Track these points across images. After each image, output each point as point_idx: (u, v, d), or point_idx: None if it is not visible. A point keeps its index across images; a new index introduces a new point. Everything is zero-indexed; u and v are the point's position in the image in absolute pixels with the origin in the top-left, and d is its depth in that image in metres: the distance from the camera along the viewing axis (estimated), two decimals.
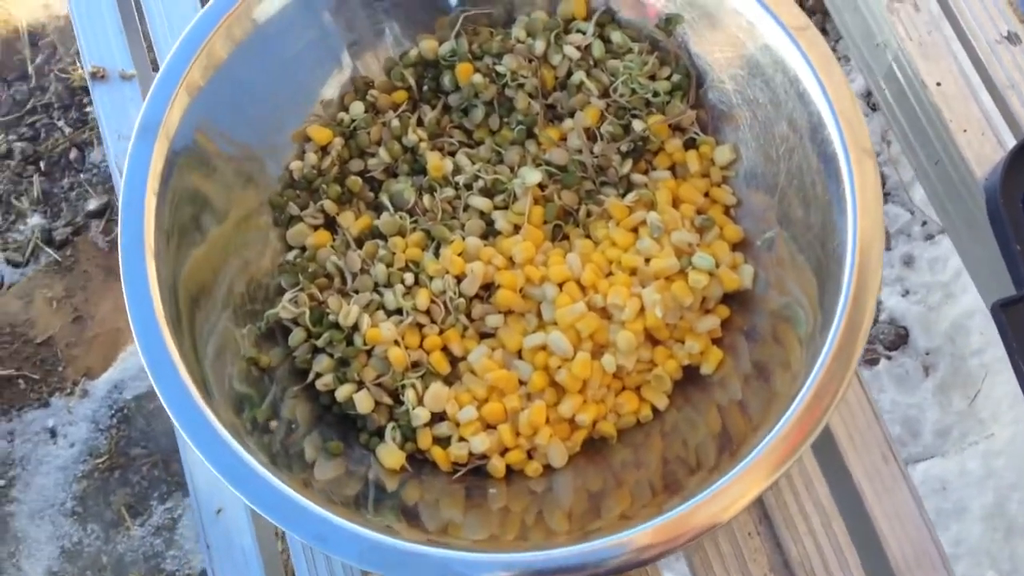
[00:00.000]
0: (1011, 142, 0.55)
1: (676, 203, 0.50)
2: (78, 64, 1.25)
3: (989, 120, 0.55)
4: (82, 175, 1.22)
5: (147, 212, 0.46)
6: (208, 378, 0.45)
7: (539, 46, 0.52)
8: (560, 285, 0.48)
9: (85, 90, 1.23)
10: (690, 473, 0.44)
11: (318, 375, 0.49)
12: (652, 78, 0.52)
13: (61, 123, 1.25)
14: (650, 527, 0.39)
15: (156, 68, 0.66)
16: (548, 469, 0.47)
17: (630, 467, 0.47)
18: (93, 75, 0.62)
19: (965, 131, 0.55)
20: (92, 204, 1.19)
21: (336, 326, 0.49)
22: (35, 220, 1.19)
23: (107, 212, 1.19)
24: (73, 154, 1.22)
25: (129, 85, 0.62)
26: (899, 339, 1.03)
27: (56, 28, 1.30)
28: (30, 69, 1.29)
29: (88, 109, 1.24)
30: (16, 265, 1.17)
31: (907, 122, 0.58)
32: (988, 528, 0.94)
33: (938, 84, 0.56)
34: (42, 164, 1.22)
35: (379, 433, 0.48)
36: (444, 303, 0.49)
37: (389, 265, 0.50)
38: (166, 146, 0.48)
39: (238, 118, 0.50)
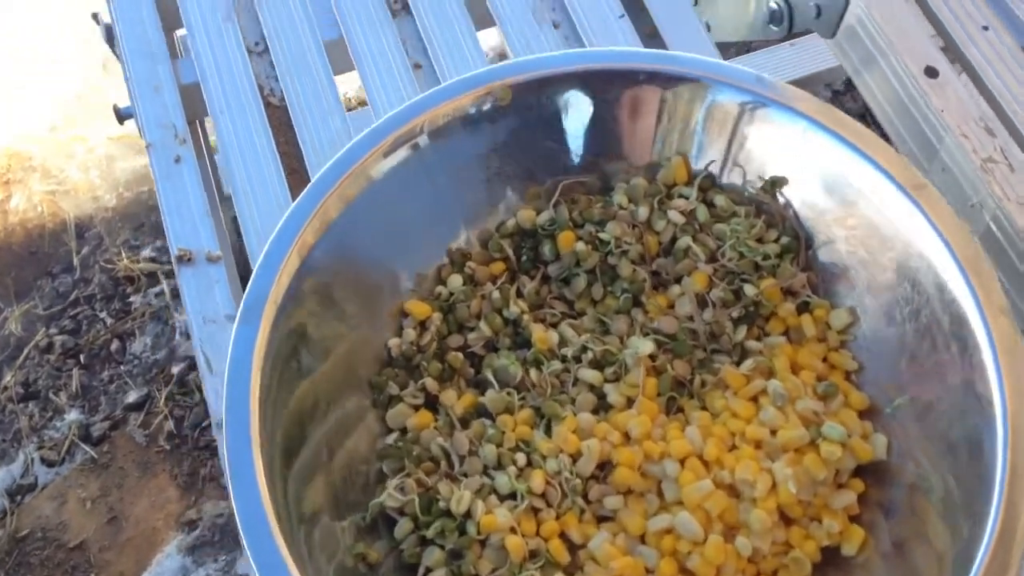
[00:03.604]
0: None
1: (794, 370, 0.48)
2: (123, 254, 1.26)
3: None
4: (122, 367, 1.21)
5: (252, 412, 0.44)
6: None
7: (642, 212, 0.52)
8: (682, 461, 0.46)
9: (130, 280, 1.24)
10: None
11: (428, 570, 0.46)
12: (760, 241, 0.51)
13: (103, 314, 1.25)
14: None
15: (240, 250, 0.67)
16: None
17: None
18: (179, 258, 0.62)
19: None
20: (131, 397, 1.18)
21: (447, 514, 0.46)
22: (73, 415, 1.18)
23: (146, 404, 1.17)
24: (114, 345, 1.22)
25: (215, 267, 0.62)
26: None
27: (103, 219, 1.32)
28: (75, 261, 1.31)
29: (132, 299, 1.24)
30: (51, 464, 1.15)
31: (1014, 283, 0.56)
32: None
33: None
34: (82, 357, 1.22)
35: None
36: (560, 484, 0.47)
37: (499, 445, 0.48)
38: (269, 329, 0.47)
39: (346, 289, 0.50)
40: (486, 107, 0.52)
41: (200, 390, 1.14)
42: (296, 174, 0.65)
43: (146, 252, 1.28)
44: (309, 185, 0.49)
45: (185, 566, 1.04)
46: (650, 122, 0.52)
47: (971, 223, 0.58)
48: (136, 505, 1.11)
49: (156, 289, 1.24)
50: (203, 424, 1.13)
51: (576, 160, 0.54)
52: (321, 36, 0.69)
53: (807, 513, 0.45)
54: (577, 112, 0.52)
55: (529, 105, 0.52)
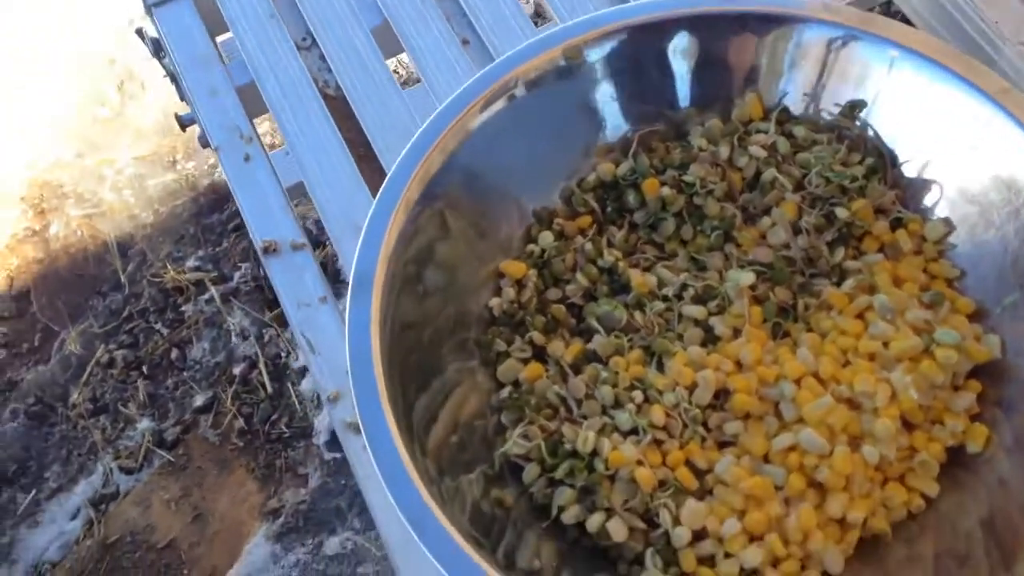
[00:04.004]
0: None
1: (896, 284, 0.49)
2: (168, 266, 1.28)
3: None
4: (185, 373, 1.23)
5: (378, 376, 0.46)
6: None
7: (723, 151, 0.53)
8: (797, 382, 0.47)
9: (179, 291, 1.26)
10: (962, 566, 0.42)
11: (562, 508, 0.47)
12: (844, 165, 0.52)
13: (158, 326, 1.27)
14: None
15: (317, 238, 0.68)
16: None
17: (904, 566, 0.45)
18: (265, 250, 0.63)
19: None
20: (198, 400, 1.20)
21: (574, 454, 0.48)
22: (144, 424, 1.20)
23: (214, 406, 1.19)
24: (174, 354, 1.24)
25: (301, 255, 0.63)
26: None
27: (144, 236, 1.34)
28: (123, 278, 1.32)
29: (183, 308, 1.26)
30: (130, 472, 1.17)
31: None
32: None
33: None
34: (144, 368, 1.23)
35: (638, 561, 0.46)
36: (679, 416, 0.48)
37: (614, 386, 0.49)
38: (380, 299, 0.48)
39: (447, 252, 0.51)
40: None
41: (264, 387, 1.16)
42: (365, 160, 0.66)
43: (190, 262, 1.29)
44: (408, 148, 0.51)
45: (275, 553, 1.07)
46: (740, 65, 0.53)
47: None
48: (218, 501, 1.13)
49: (206, 296, 1.26)
50: (272, 418, 1.15)
51: (651, 107, 0.55)
52: (367, 24, 0.70)
53: (928, 417, 0.46)
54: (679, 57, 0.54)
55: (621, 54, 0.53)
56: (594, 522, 0.46)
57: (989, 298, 0.47)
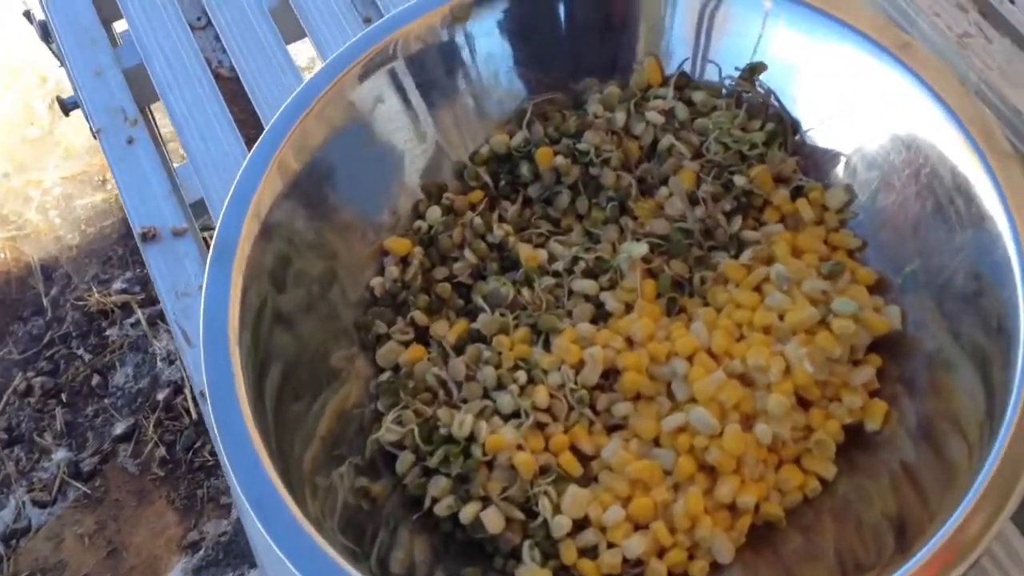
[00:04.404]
0: None
1: (796, 255, 0.46)
2: (94, 289, 1.23)
3: None
4: (106, 400, 1.18)
5: (235, 363, 0.42)
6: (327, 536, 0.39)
7: (619, 118, 0.50)
8: (690, 358, 0.43)
9: (103, 314, 1.21)
10: (864, 569, 0.38)
11: (435, 500, 0.43)
12: (744, 130, 0.49)
13: (80, 351, 1.22)
14: None
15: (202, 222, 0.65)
16: (714, 568, 0.41)
17: (802, 557, 0.41)
18: (143, 236, 0.59)
19: None
20: (118, 428, 1.15)
21: (449, 440, 0.44)
22: (60, 455, 1.14)
23: (135, 434, 1.14)
24: (95, 380, 1.19)
25: (182, 241, 0.59)
26: None
27: (69, 258, 1.29)
28: (45, 302, 1.28)
29: (108, 333, 1.21)
30: (43, 505, 1.11)
31: None
32: None
33: None
34: (63, 395, 1.18)
35: (515, 555, 0.42)
36: (565, 397, 0.44)
37: (497, 367, 0.45)
38: (243, 275, 0.44)
39: (321, 223, 0.47)
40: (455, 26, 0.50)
41: (188, 413, 1.11)
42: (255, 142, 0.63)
43: (117, 284, 1.24)
44: (269, 126, 0.47)
45: None
46: (622, 27, 0.50)
47: None
48: (135, 534, 1.07)
49: (131, 319, 1.21)
50: (195, 445, 1.10)
51: (550, 76, 0.52)
52: (265, 4, 0.67)
53: (826, 394, 0.43)
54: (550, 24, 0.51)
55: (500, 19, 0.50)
56: (468, 513, 0.42)
57: (891, 268, 0.44)
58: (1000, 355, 0.38)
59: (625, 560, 0.41)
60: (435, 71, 0.51)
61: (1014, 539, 0.43)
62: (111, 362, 1.20)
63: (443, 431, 0.44)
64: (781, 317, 0.43)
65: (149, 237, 0.59)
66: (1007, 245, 0.38)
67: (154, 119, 0.69)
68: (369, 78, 0.49)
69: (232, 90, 0.64)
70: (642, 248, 0.46)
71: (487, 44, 0.51)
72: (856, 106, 0.46)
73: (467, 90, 0.52)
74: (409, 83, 0.50)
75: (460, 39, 0.51)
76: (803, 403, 0.43)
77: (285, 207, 0.46)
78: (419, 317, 0.48)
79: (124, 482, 1.12)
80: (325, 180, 0.48)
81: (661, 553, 0.41)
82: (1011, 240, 0.38)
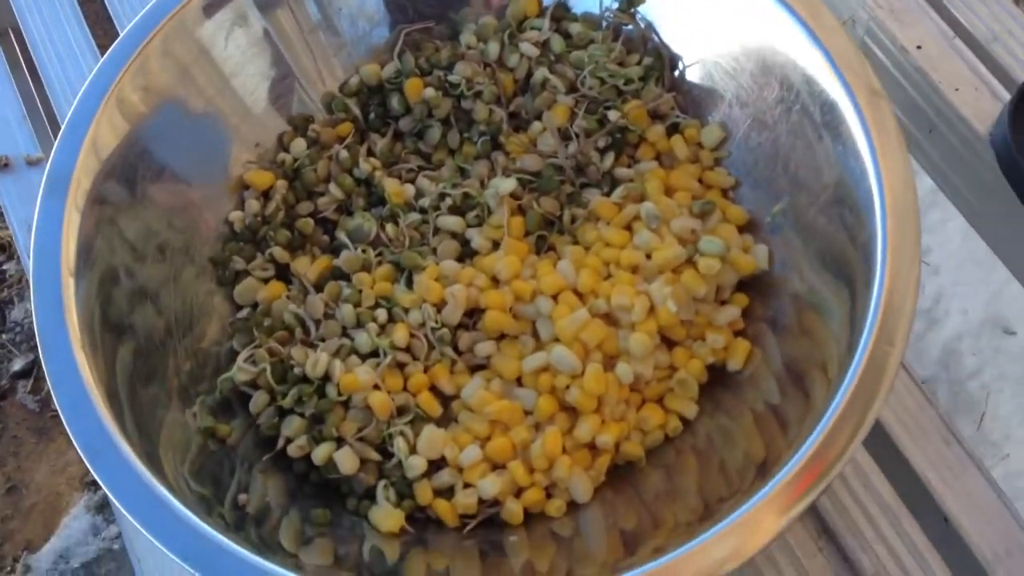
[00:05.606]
0: (1005, 94, 0.51)
1: (669, 193, 0.45)
2: None
3: (979, 75, 0.52)
4: (3, 335, 1.14)
5: (66, 295, 0.39)
6: (169, 477, 0.37)
7: (492, 49, 0.48)
8: (555, 297, 0.42)
9: (2, 248, 1.16)
10: (726, 498, 0.37)
11: (288, 440, 0.42)
12: (621, 65, 0.47)
13: None
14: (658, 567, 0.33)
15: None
16: (572, 507, 0.40)
17: (663, 496, 0.40)
18: None
19: (957, 90, 0.51)
20: (17, 364, 1.11)
21: (304, 379, 0.42)
22: None
23: (34, 370, 1.10)
24: None
25: (37, 170, 0.56)
26: None
27: None
28: None
29: (5, 267, 1.16)
30: None
31: (891, 94, 0.54)
32: None
33: (919, 47, 0.53)
34: None
35: (370, 495, 0.41)
36: (425, 336, 0.43)
37: (356, 305, 0.44)
38: (81, 208, 0.41)
39: (171, 156, 0.44)
40: None
41: None
42: None
43: None
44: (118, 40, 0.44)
45: (95, 525, 1.00)
46: None
47: None
48: (36, 471, 1.04)
49: None
50: None
51: (427, 5, 0.50)
52: None
53: (691, 334, 0.42)
54: None
55: None
56: (321, 453, 0.41)
57: (762, 209, 0.44)
58: (862, 292, 0.37)
59: (482, 500, 0.40)
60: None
61: (864, 464, 0.43)
62: (8, 297, 1.16)
63: (297, 371, 0.42)
64: (649, 256, 0.42)
65: (1, 166, 0.55)
66: (871, 184, 0.38)
67: (16, 42, 0.65)
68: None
69: (95, 11, 0.60)
70: (509, 184, 0.45)
71: None
72: (733, 43, 0.44)
73: (328, 19, 0.49)
74: (255, 14, 0.47)
75: None
76: (669, 343, 0.42)
77: (127, 141, 0.43)
78: (279, 253, 0.46)
79: (23, 419, 1.08)
80: (178, 105, 0.45)
81: (518, 493, 0.40)
82: (874, 179, 0.38)
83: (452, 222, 0.45)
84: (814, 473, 0.34)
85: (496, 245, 0.45)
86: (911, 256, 0.36)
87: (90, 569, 1.00)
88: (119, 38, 0.44)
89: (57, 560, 1.01)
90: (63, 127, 0.42)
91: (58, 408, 0.37)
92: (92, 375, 0.37)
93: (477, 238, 0.45)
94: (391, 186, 0.46)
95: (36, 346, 1.14)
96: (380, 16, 0.50)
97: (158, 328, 0.43)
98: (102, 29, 0.60)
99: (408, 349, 0.43)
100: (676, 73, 0.47)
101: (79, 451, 0.36)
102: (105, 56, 0.44)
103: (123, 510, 0.35)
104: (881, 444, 0.44)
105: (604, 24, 0.48)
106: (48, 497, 1.04)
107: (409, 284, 0.44)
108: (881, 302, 0.35)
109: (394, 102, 0.49)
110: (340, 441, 0.41)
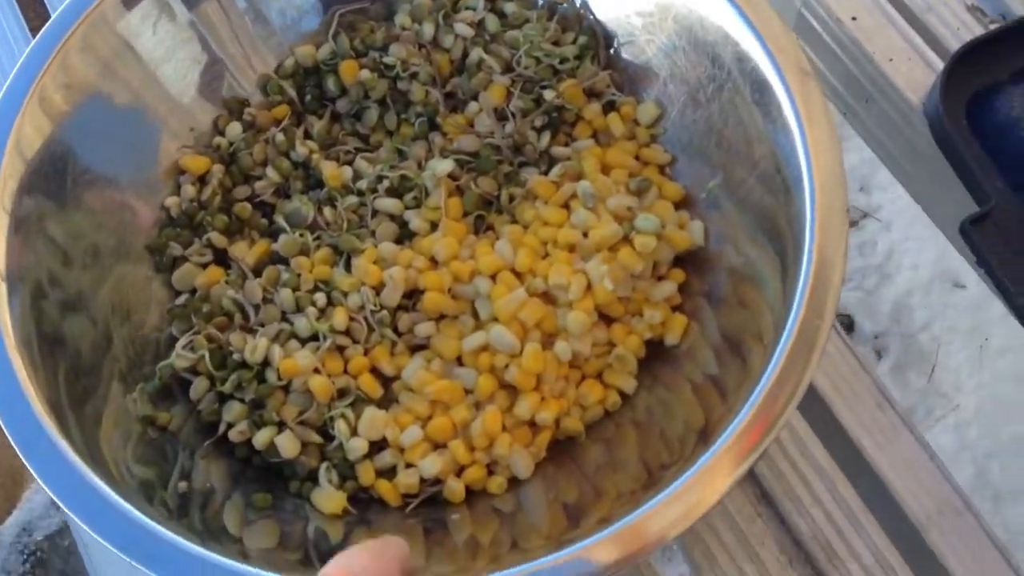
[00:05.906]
0: (939, 64, 0.52)
1: (606, 171, 0.45)
2: None
3: (913, 45, 0.52)
4: None
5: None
6: (109, 465, 0.37)
7: (427, 30, 0.48)
8: (493, 277, 0.42)
9: None
10: (668, 465, 0.38)
11: (230, 425, 0.42)
12: (556, 44, 0.47)
13: None
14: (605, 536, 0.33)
15: None
16: (514, 483, 0.41)
17: (605, 468, 0.41)
18: None
19: (891, 60, 0.52)
20: None
21: (243, 365, 0.42)
22: None
23: None
24: None
25: None
26: (846, 327, 0.99)
27: None
28: None
29: None
30: None
31: (828, 65, 0.55)
32: (975, 501, 0.90)
33: (854, 19, 0.53)
34: None
35: (312, 477, 0.41)
36: (365, 319, 0.43)
37: (295, 289, 0.44)
38: (8, 209, 0.41)
39: (99, 152, 0.44)
40: None
41: None
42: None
43: None
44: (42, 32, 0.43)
45: None
46: None
47: (783, 11, 0.56)
48: None
49: None
50: None
51: None
52: None
53: (629, 310, 0.42)
54: None
55: None
56: (262, 438, 0.41)
57: (698, 185, 0.44)
58: (793, 262, 0.38)
59: (423, 480, 0.40)
60: None
61: (801, 430, 0.44)
62: None
63: (236, 356, 0.42)
64: (586, 234, 0.42)
65: None
66: (799, 161, 0.38)
67: None
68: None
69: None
70: (447, 165, 0.45)
71: None
72: (667, 20, 0.45)
73: (256, 9, 0.49)
74: (179, 6, 0.47)
75: None
76: (607, 319, 0.42)
77: (51, 140, 0.43)
78: (217, 239, 0.46)
79: None
80: (108, 93, 0.45)
81: (460, 471, 0.40)
82: (803, 155, 0.38)
83: (390, 204, 0.45)
84: (756, 434, 0.34)
85: (434, 226, 0.45)
86: (839, 230, 0.36)
87: (53, 541, 1.00)
88: (38, 36, 0.43)
89: (20, 533, 1.00)
90: None
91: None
92: (28, 372, 0.37)
93: (415, 220, 0.45)
94: (328, 169, 0.46)
95: None
96: (310, 5, 0.49)
97: (96, 317, 0.42)
98: (33, 11, 0.59)
99: (348, 332, 0.43)
100: (611, 51, 0.47)
101: (12, 444, 0.36)
102: (25, 54, 0.43)
103: (60, 503, 0.35)
104: (817, 411, 0.44)
105: (539, 3, 0.48)
106: (7, 470, 1.03)
107: (348, 267, 0.44)
108: (811, 270, 0.35)
109: (330, 84, 0.48)
110: (281, 425, 0.41)
